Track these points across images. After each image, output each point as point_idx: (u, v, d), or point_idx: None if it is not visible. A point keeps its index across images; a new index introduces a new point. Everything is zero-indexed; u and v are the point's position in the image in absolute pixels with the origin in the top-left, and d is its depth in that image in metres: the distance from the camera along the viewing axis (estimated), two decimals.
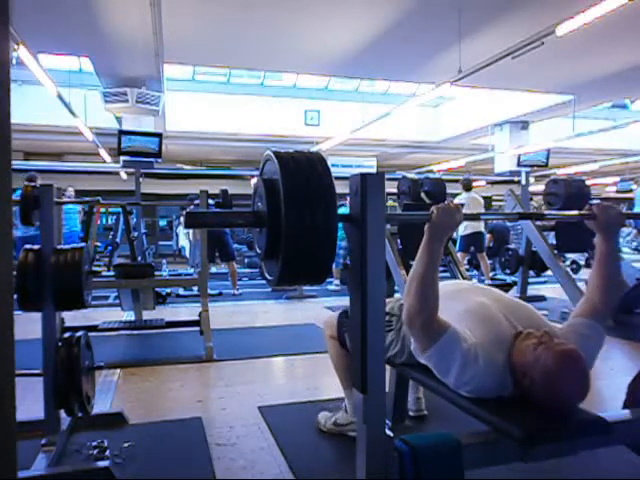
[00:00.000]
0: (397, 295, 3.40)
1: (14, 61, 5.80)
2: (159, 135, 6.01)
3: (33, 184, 2.15)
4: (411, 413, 2.33)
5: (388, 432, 1.30)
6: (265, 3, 5.22)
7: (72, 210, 7.18)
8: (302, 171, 1.08)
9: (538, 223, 4.50)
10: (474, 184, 8.46)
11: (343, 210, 7.20)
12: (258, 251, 1.21)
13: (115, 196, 9.56)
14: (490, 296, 1.61)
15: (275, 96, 10.92)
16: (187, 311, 4.70)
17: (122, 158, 7.95)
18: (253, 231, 1.22)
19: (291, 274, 1.12)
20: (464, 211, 1.37)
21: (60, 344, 1.94)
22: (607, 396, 1.33)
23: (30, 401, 1.97)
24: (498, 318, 1.47)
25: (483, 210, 7.08)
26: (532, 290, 5.18)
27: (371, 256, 1.20)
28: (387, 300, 1.56)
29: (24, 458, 1.78)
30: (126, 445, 2.06)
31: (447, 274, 3.93)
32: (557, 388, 1.29)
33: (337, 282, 7.10)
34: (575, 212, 1.54)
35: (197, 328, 3.55)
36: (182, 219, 10.07)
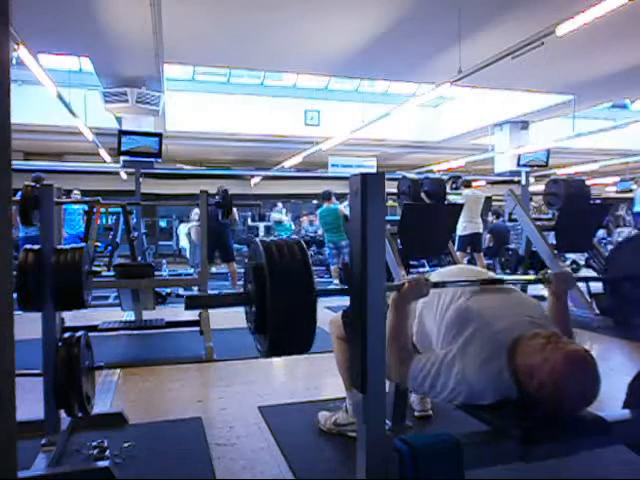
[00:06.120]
0: None
1: (14, 61, 5.80)
2: (159, 135, 6.03)
3: (33, 184, 2.14)
4: (416, 413, 2.33)
5: (388, 432, 1.30)
6: (265, 3, 5.23)
7: (76, 211, 7.17)
8: (283, 256, 1.23)
9: (538, 223, 4.50)
10: (474, 184, 8.44)
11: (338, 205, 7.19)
12: (249, 326, 1.35)
13: (115, 196, 9.55)
14: (502, 295, 1.59)
15: (275, 96, 10.92)
16: (187, 311, 4.69)
17: (122, 158, 7.98)
18: (245, 308, 1.37)
19: (278, 345, 1.25)
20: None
21: (60, 344, 1.94)
22: (607, 396, 1.32)
23: (30, 401, 1.96)
24: (497, 322, 1.44)
25: (481, 207, 7.03)
26: (532, 290, 5.17)
27: (371, 256, 1.20)
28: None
29: (24, 458, 1.79)
30: (126, 445, 2.06)
31: None
32: (567, 389, 1.25)
33: (336, 282, 7.10)
34: (533, 276, 1.78)
35: (197, 328, 3.55)
36: (183, 223, 10.08)
